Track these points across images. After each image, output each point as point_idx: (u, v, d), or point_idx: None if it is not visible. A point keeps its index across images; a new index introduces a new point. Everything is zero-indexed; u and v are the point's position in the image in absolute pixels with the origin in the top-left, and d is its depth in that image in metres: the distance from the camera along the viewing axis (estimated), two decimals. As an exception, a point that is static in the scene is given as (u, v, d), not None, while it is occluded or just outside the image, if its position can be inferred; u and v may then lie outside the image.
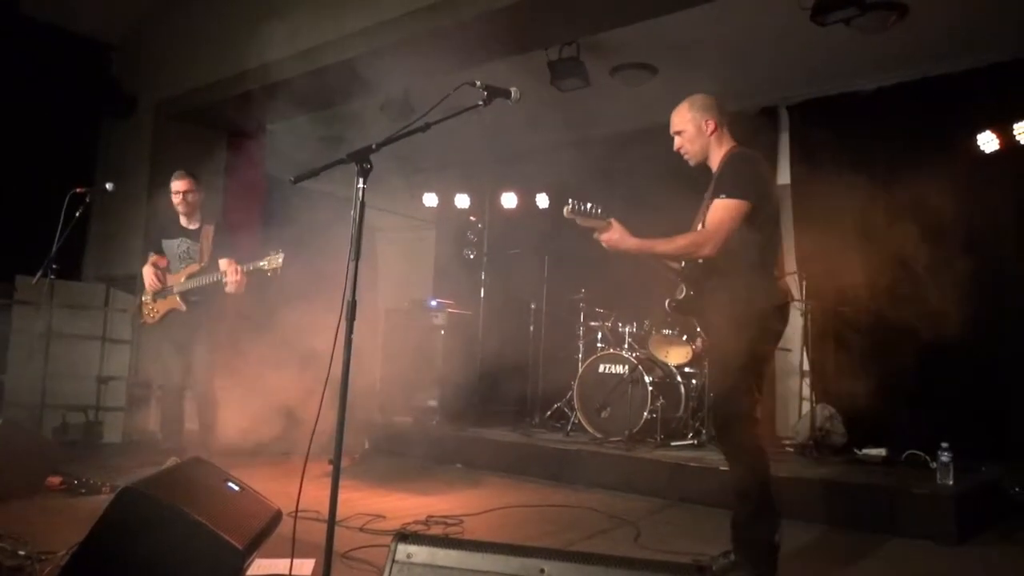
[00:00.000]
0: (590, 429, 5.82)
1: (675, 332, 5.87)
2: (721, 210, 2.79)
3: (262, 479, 3.46)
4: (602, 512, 4.20)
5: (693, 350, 5.79)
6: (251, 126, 7.25)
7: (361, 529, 3.53)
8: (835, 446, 5.31)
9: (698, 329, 5.38)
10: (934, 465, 4.19)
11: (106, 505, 2.18)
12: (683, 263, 3.03)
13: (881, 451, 5.01)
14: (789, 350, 5.88)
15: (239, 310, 4.96)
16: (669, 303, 3.10)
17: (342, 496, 2.28)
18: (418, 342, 7.00)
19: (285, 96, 5.93)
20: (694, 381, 5.85)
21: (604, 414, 5.80)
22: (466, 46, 4.85)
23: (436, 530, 3.62)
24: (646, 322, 6.05)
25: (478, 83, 2.55)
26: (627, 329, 6.02)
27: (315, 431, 2.41)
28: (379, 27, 5.37)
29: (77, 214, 4.76)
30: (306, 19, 5.67)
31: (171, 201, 4.86)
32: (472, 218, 7.97)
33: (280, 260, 4.32)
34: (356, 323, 2.30)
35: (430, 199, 8.32)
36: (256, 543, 2.35)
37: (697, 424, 5.72)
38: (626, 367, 5.76)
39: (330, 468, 2.23)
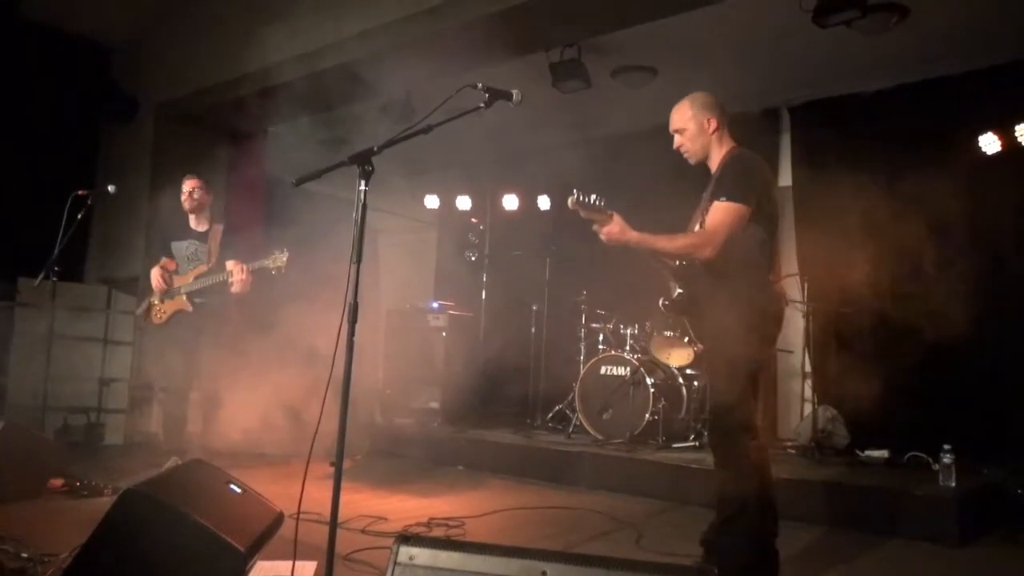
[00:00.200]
0: (591, 431, 5.81)
1: (677, 334, 5.87)
2: (722, 213, 2.75)
3: (264, 481, 3.46)
4: (604, 514, 4.20)
5: (695, 352, 5.79)
6: (252, 128, 7.26)
7: (363, 531, 3.54)
8: (837, 448, 5.31)
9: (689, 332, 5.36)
10: (936, 467, 4.20)
11: (108, 507, 2.18)
12: (678, 262, 3.00)
13: (883, 453, 5.01)
14: (791, 352, 5.88)
15: (244, 312, 4.98)
16: (663, 301, 3.09)
17: (343, 498, 2.27)
18: (419, 344, 7.01)
19: (286, 99, 5.94)
20: (696, 383, 5.84)
21: (606, 416, 5.80)
22: (467, 48, 4.85)
23: (438, 532, 3.62)
24: (648, 324, 6.05)
25: (480, 85, 2.55)
26: (629, 331, 6.02)
27: (317, 433, 2.41)
28: (380, 29, 5.37)
29: (79, 216, 4.78)
30: (306, 22, 5.68)
31: (180, 204, 4.96)
32: (474, 220, 7.98)
33: (284, 259, 4.40)
34: (358, 325, 2.30)
35: (432, 201, 8.32)
36: (258, 545, 2.35)
37: (699, 426, 5.71)
38: (628, 369, 5.76)
39: (332, 470, 2.23)
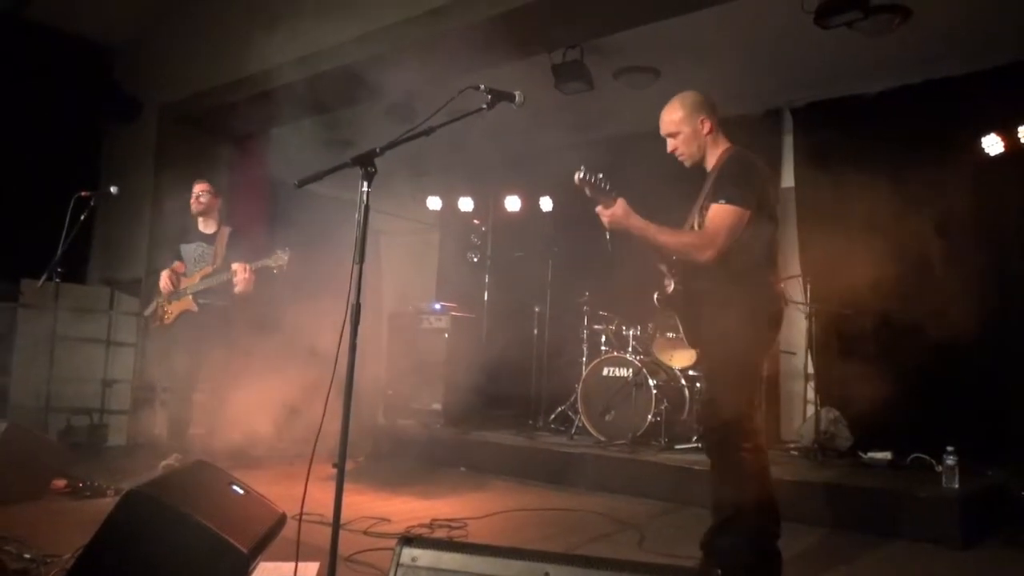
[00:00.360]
0: (594, 432, 5.81)
1: (679, 335, 5.85)
2: (722, 215, 2.70)
3: (266, 482, 3.47)
4: (606, 516, 4.20)
5: (697, 353, 5.78)
6: (254, 130, 7.27)
7: (365, 532, 3.54)
8: (840, 449, 5.29)
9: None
10: (939, 468, 4.19)
11: (111, 508, 2.19)
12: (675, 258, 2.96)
13: (886, 454, 5.00)
14: (794, 353, 5.87)
15: (247, 313, 5.01)
16: (658, 297, 3.06)
17: (346, 499, 2.27)
18: (422, 345, 7.01)
19: (288, 100, 5.94)
20: (698, 384, 5.83)
21: (608, 417, 5.80)
22: (469, 50, 4.85)
23: (440, 533, 3.62)
24: (650, 325, 6.04)
25: (482, 87, 2.55)
26: (631, 332, 6.02)
27: (320, 434, 2.41)
28: (381, 31, 5.37)
29: (82, 217, 4.81)
30: (308, 24, 5.67)
31: (187, 207, 5.08)
32: (476, 221, 7.98)
33: (286, 258, 4.49)
34: (360, 326, 2.30)
35: (434, 202, 8.33)
36: (261, 546, 2.35)
37: (701, 428, 5.70)
38: (630, 370, 5.75)
39: (334, 471, 2.23)
